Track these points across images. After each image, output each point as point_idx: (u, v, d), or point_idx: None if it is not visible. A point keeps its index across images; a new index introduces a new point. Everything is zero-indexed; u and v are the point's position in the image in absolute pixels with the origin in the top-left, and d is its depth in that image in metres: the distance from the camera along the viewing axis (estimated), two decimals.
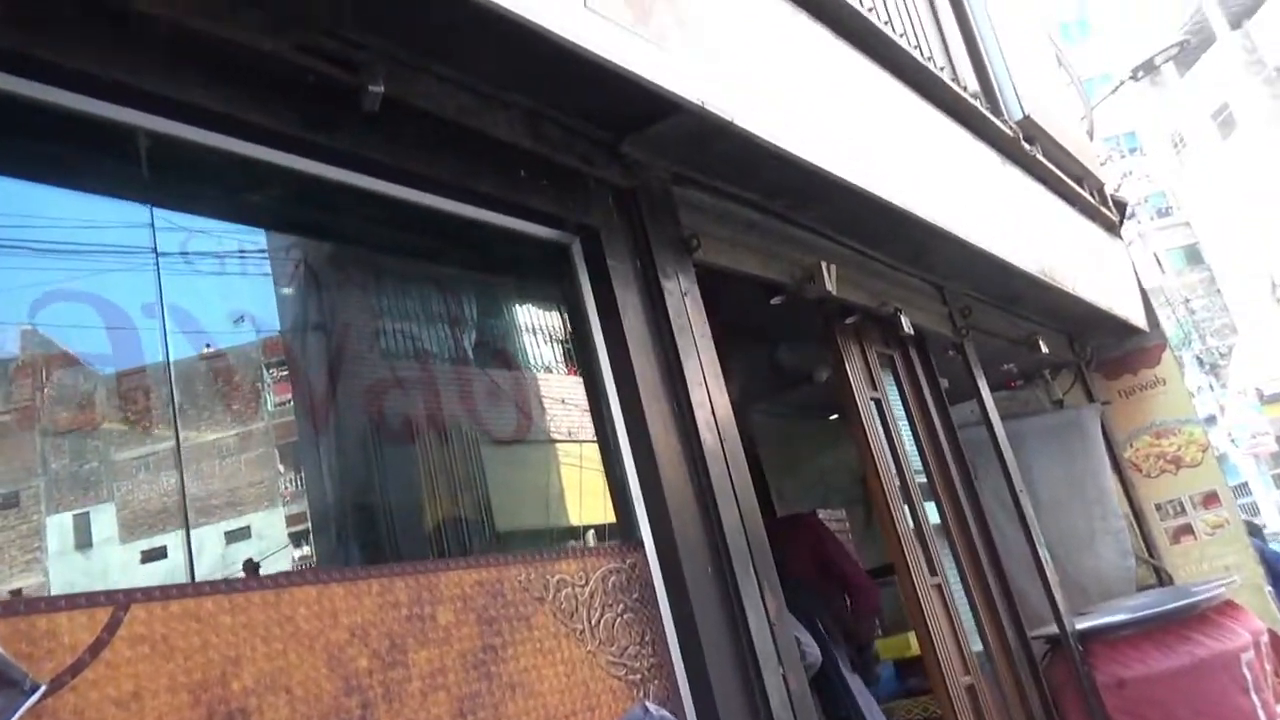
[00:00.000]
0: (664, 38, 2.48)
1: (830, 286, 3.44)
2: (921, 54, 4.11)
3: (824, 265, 3.46)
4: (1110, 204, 6.28)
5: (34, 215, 1.97)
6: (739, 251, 3.28)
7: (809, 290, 3.47)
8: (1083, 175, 5.87)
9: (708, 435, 2.66)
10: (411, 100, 2.18)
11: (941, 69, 4.29)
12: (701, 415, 2.68)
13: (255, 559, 2.59)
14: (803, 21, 3.27)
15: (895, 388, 4.29)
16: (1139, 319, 6.15)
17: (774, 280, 3.42)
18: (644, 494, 2.51)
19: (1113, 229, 6.22)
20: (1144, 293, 6.49)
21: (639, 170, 2.85)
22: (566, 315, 2.78)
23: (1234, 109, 33.65)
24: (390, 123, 2.14)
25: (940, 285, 4.64)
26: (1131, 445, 6.28)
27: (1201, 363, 29.78)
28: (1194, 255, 37.79)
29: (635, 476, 2.54)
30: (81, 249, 2.10)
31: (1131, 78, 11.49)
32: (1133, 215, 31.61)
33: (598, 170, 2.72)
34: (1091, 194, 6.06)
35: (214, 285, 2.39)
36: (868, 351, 4.08)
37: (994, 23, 5.10)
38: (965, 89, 4.44)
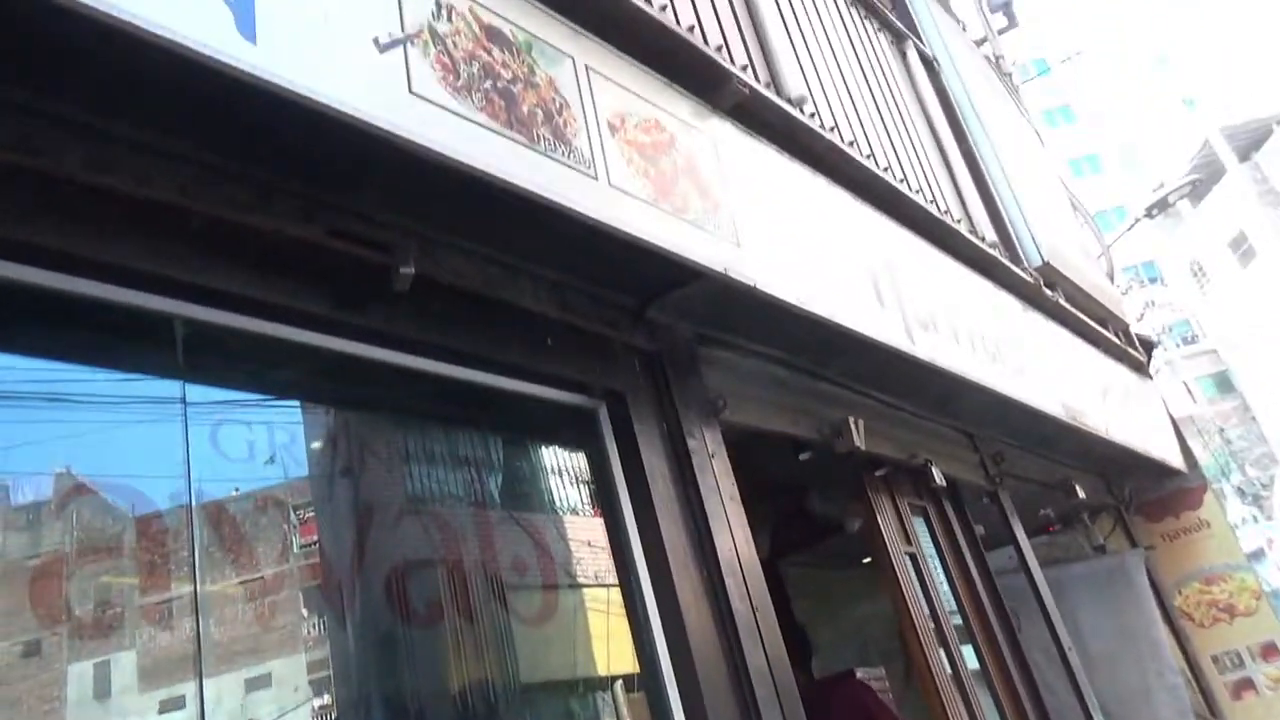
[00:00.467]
0: (685, 209, 2.54)
1: (859, 441, 3.40)
2: (938, 208, 4.20)
3: (852, 421, 3.43)
4: (1137, 344, 6.26)
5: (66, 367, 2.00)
6: (766, 409, 3.27)
7: (838, 445, 3.43)
8: (1106, 317, 5.87)
9: (739, 604, 2.58)
10: (440, 276, 2.22)
11: (959, 221, 4.37)
12: (732, 583, 2.61)
13: None
14: (821, 184, 3.35)
15: (929, 538, 4.18)
16: (1176, 460, 6.02)
17: (802, 437, 3.39)
18: (675, 670, 2.42)
19: (1141, 369, 6.18)
20: (1179, 433, 6.38)
21: (664, 333, 2.87)
22: (594, 479, 2.75)
23: (1252, 239, 33.95)
24: (419, 298, 2.18)
25: (970, 433, 4.58)
26: (1180, 593, 6.05)
27: (1243, 494, 29.03)
28: (1224, 383, 37.45)
29: (665, 650, 2.45)
30: (113, 400, 2.12)
31: (1147, 215, 11.66)
32: (1159, 344, 31.61)
33: (623, 335, 2.74)
34: (1117, 335, 6.05)
35: (245, 426, 2.41)
36: (899, 503, 4.00)
37: (1008, 173, 5.22)
38: (984, 239, 4.51)
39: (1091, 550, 6.01)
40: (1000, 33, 7.93)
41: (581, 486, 2.94)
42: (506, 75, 2.17)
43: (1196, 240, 37.20)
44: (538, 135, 2.16)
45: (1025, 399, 4.22)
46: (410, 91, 1.89)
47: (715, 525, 2.68)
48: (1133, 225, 11.95)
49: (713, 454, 2.84)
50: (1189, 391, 37.11)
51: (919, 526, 4.13)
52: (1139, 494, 6.26)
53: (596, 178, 2.28)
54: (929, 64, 5.28)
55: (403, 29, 1.95)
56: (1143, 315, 31.30)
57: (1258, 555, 23.59)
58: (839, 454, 3.53)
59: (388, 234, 2.08)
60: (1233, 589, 5.90)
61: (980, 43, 7.64)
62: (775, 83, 3.31)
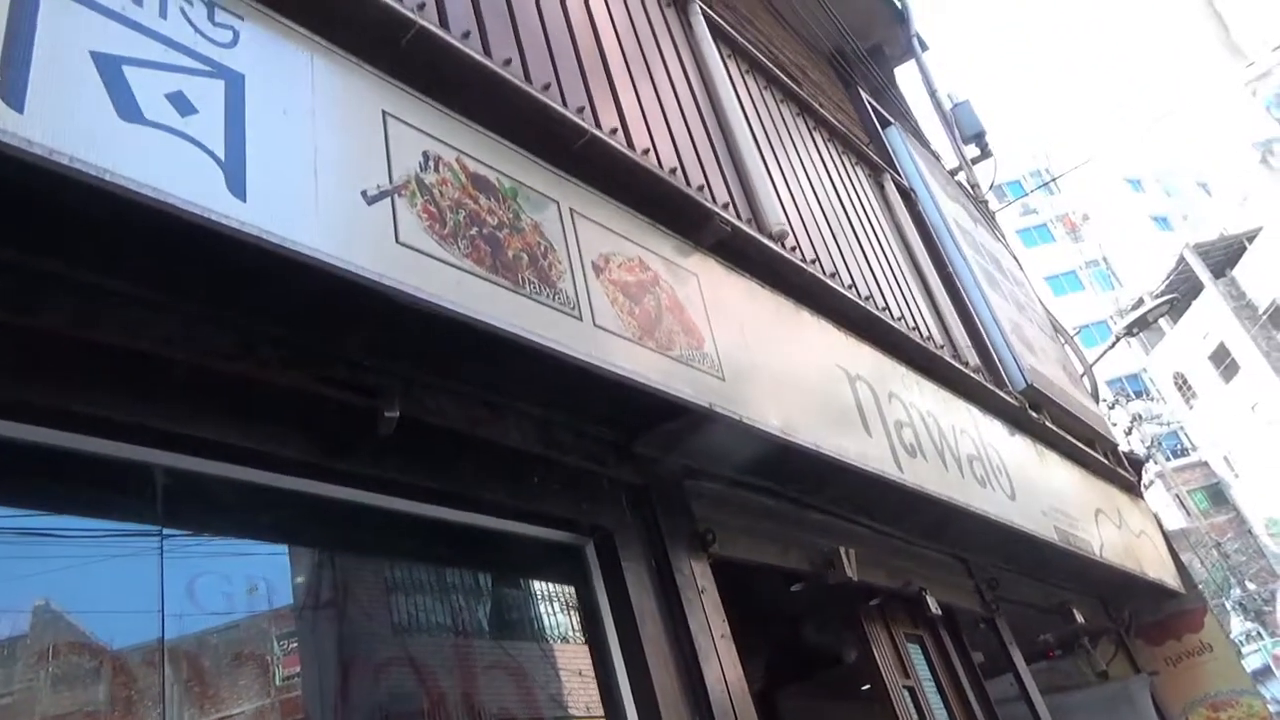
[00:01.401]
0: (670, 345, 2.57)
1: (851, 572, 3.36)
2: (921, 335, 4.26)
3: (843, 551, 3.39)
4: (1125, 464, 6.26)
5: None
6: (756, 541, 3.23)
7: (830, 577, 3.38)
8: (1093, 438, 5.89)
9: None
10: (426, 418, 2.23)
11: (941, 347, 4.43)
12: None
13: None
14: (804, 316, 3.41)
15: (927, 667, 4.08)
16: (1173, 580, 5.95)
17: (793, 569, 3.34)
18: None
19: (1131, 489, 6.16)
20: (1174, 552, 6.32)
21: (650, 467, 2.86)
22: (582, 617, 2.69)
23: (1233, 352, 34.42)
24: (404, 439, 2.18)
25: (964, 558, 4.53)
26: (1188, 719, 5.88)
27: (1245, 609, 28.54)
28: (1218, 495, 37.33)
29: None
30: (91, 534, 2.08)
31: (1128, 334, 11.85)
32: (1149, 459, 31.58)
33: (609, 470, 2.73)
34: (1105, 456, 6.05)
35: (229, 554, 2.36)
36: (895, 633, 3.92)
37: (988, 298, 5.32)
38: (967, 365, 4.56)
39: (1094, 676, 5.86)
40: (974, 162, 8.22)
41: (571, 613, 2.87)
42: (492, 222, 2.23)
43: (1179, 355, 37.70)
44: (523, 279, 2.20)
45: (1017, 523, 4.19)
46: (397, 242, 1.94)
47: (706, 664, 2.62)
48: (1114, 344, 12.13)
49: (702, 589, 2.79)
50: (1182, 505, 36.95)
51: (916, 656, 4.03)
52: (1138, 617, 6.15)
53: (581, 318, 2.31)
54: (906, 194, 5.44)
55: (390, 181, 2.01)
56: (1131, 429, 31.43)
57: (1264, 674, 23.02)
58: (833, 586, 3.48)
59: (374, 378, 2.09)
60: (1240, 715, 5.74)
61: (955, 172, 7.91)
62: (756, 219, 3.40)
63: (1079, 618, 5.20)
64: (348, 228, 1.85)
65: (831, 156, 4.65)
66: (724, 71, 3.81)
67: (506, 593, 2.74)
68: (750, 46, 4.21)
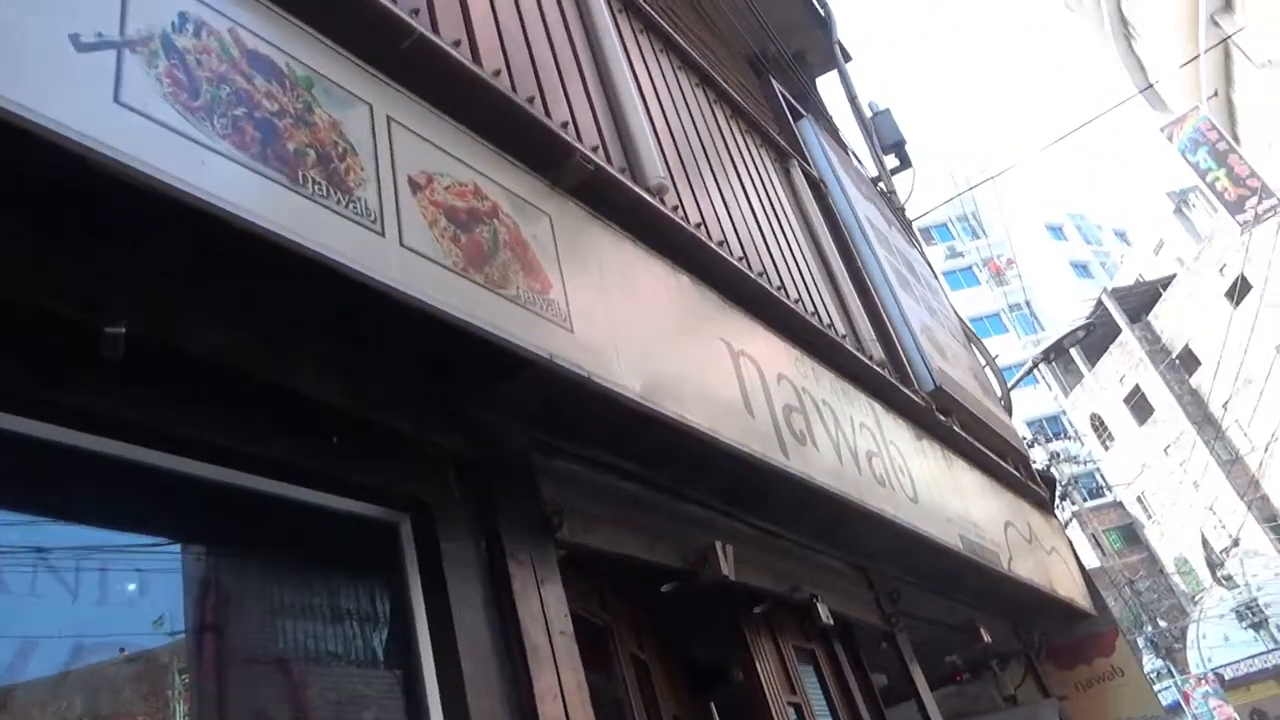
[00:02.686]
0: (504, 284, 2.18)
1: (727, 570, 2.97)
2: (820, 320, 3.93)
3: (719, 546, 3.01)
4: (1038, 480, 6.02)
5: None
6: (618, 530, 2.83)
7: (703, 575, 2.99)
8: (1005, 450, 5.64)
9: None
10: (178, 345, 1.79)
11: (844, 337, 4.11)
12: None
13: None
14: (684, 281, 3.05)
15: (817, 683, 3.71)
16: (1083, 601, 5.70)
17: (661, 564, 2.95)
18: None
19: (1044, 506, 5.92)
20: (1085, 573, 6.09)
21: (488, 434, 2.45)
22: (390, 612, 2.25)
23: (1148, 395, 35.23)
24: (147, 370, 1.74)
25: (863, 566, 4.19)
26: None
27: (1156, 647, 28.94)
28: (1131, 535, 38.07)
29: None
30: None
31: (1045, 360, 11.83)
32: (1065, 496, 32.05)
33: (433, 434, 2.31)
34: (1017, 469, 5.81)
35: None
36: (783, 646, 3.54)
37: (899, 298, 5.05)
38: (871, 358, 4.25)
39: (1002, 701, 5.56)
40: (894, 172, 8.04)
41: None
42: (270, 106, 1.81)
43: (1096, 397, 38.50)
44: (304, 176, 1.79)
45: (918, 527, 3.86)
46: (116, 100, 1.52)
47: (538, 667, 2.20)
48: (1031, 368, 12.13)
49: (542, 579, 2.38)
50: (1099, 544, 37.58)
51: (807, 675, 3.66)
52: (1048, 639, 5.89)
53: (383, 234, 1.91)
54: (816, 185, 5.16)
55: (121, 34, 1.59)
56: (1049, 467, 31.90)
57: (1175, 711, 23.28)
58: (708, 586, 3.09)
59: (91, 283, 1.65)
60: None
61: (876, 180, 7.71)
62: (632, 170, 3.04)
63: (986, 637, 4.90)
64: (38, 70, 1.42)
65: (733, 133, 4.34)
66: (609, 20, 3.46)
67: (290, 576, 2.28)
68: (646, 5, 3.88)
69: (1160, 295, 34.64)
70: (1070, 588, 5.57)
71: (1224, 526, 27.30)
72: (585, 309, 2.44)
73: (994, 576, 4.57)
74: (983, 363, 6.41)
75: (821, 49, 8.40)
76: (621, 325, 2.58)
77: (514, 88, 2.63)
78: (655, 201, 2.97)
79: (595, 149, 2.86)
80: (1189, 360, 33.44)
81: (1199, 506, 31.22)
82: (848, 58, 8.68)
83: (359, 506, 2.19)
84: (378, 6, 2.20)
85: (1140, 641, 28.39)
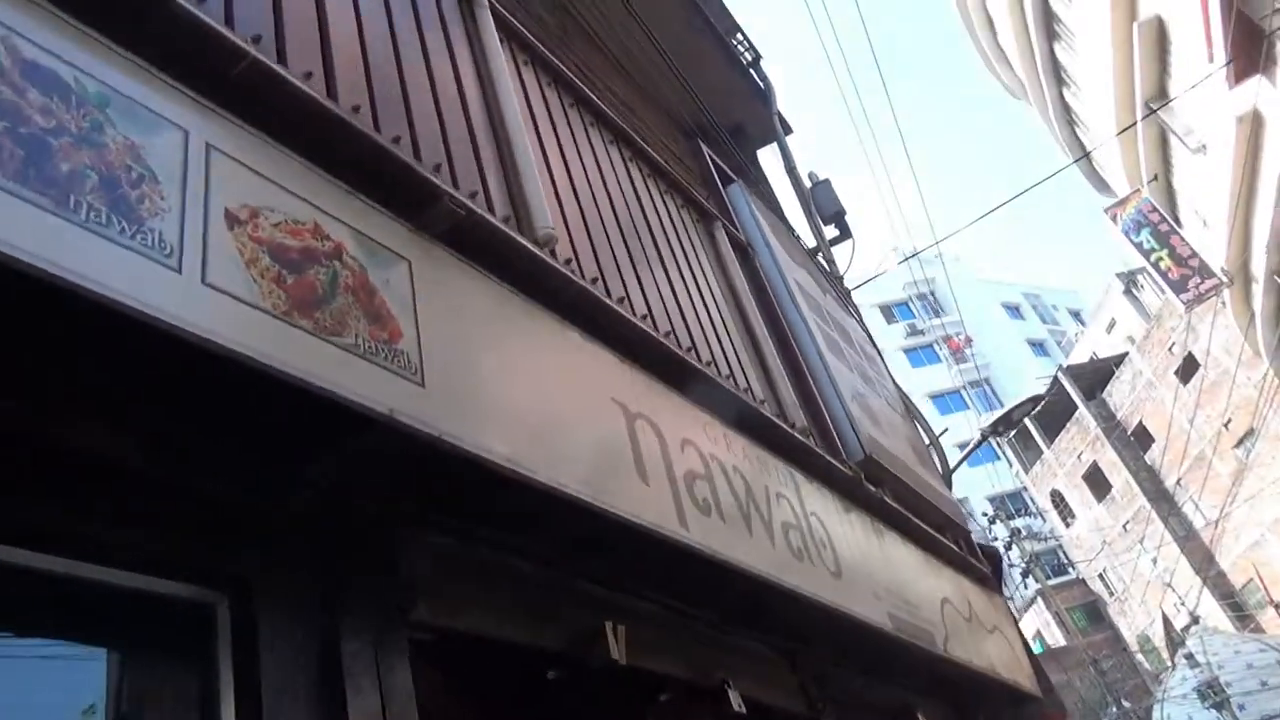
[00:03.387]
0: (339, 331, 1.95)
1: (618, 654, 2.69)
2: (736, 385, 3.73)
3: (610, 627, 2.73)
4: (980, 555, 5.79)
5: None
6: (496, 611, 2.55)
7: (592, 660, 2.71)
8: (944, 523, 5.42)
9: None
10: None
11: (762, 402, 3.91)
12: None
13: None
14: (574, 338, 2.83)
15: None
16: (1029, 683, 5.43)
17: (545, 648, 2.66)
18: None
19: (985, 582, 5.68)
20: (1031, 654, 5.83)
21: (332, 502, 2.18)
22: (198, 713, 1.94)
23: (1105, 473, 35.40)
24: None
25: (786, 649, 3.90)
26: None
27: None
28: (1094, 613, 37.81)
29: None
30: None
31: (994, 433, 11.75)
32: (1028, 574, 31.82)
33: (261, 501, 2.04)
34: (958, 544, 5.58)
35: None
36: None
37: (829, 365, 4.87)
38: (794, 425, 4.04)
39: None
40: (834, 242, 7.97)
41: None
42: (44, 123, 1.59)
43: (1055, 474, 38.62)
44: (77, 202, 1.56)
45: (840, 604, 3.60)
46: None
47: None
48: (981, 440, 12.02)
49: (386, 669, 2.09)
50: (1062, 622, 37.28)
51: None
52: None
53: (179, 270, 1.67)
54: (743, 250, 5.02)
55: None
56: (1010, 544, 31.74)
57: None
58: (600, 672, 2.80)
59: None
60: None
61: (814, 252, 7.63)
62: (519, 219, 2.84)
63: None
64: None
65: (649, 192, 4.19)
66: (507, 68, 3.31)
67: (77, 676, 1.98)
68: (540, 46, 3.74)
69: (1113, 373, 35.08)
70: (1014, 669, 5.31)
71: (1183, 604, 27.15)
72: (445, 363, 2.21)
73: (928, 658, 4.30)
74: (922, 434, 6.23)
75: (762, 121, 8.40)
76: (491, 382, 2.36)
77: (377, 126, 2.43)
78: (542, 253, 2.77)
79: (474, 195, 2.66)
80: (1143, 437, 33.74)
81: (1157, 583, 31.15)
82: (788, 130, 8.69)
83: (164, 585, 1.91)
84: (204, 28, 2.00)
85: None
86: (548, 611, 2.72)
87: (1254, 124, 14.97)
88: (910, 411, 6.26)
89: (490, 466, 2.18)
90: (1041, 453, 39.46)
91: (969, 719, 5.42)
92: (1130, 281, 40.86)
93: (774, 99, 8.26)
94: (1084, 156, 20.93)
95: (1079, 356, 42.38)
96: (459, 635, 2.42)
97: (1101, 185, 27.22)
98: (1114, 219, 21.81)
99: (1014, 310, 66.44)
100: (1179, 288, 20.46)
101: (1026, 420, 40.24)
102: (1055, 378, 38.12)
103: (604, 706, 3.03)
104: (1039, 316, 68.46)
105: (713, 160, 5.55)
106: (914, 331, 59.70)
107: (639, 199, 4.03)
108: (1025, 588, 34.50)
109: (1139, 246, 21.16)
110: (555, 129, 3.60)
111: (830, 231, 8.07)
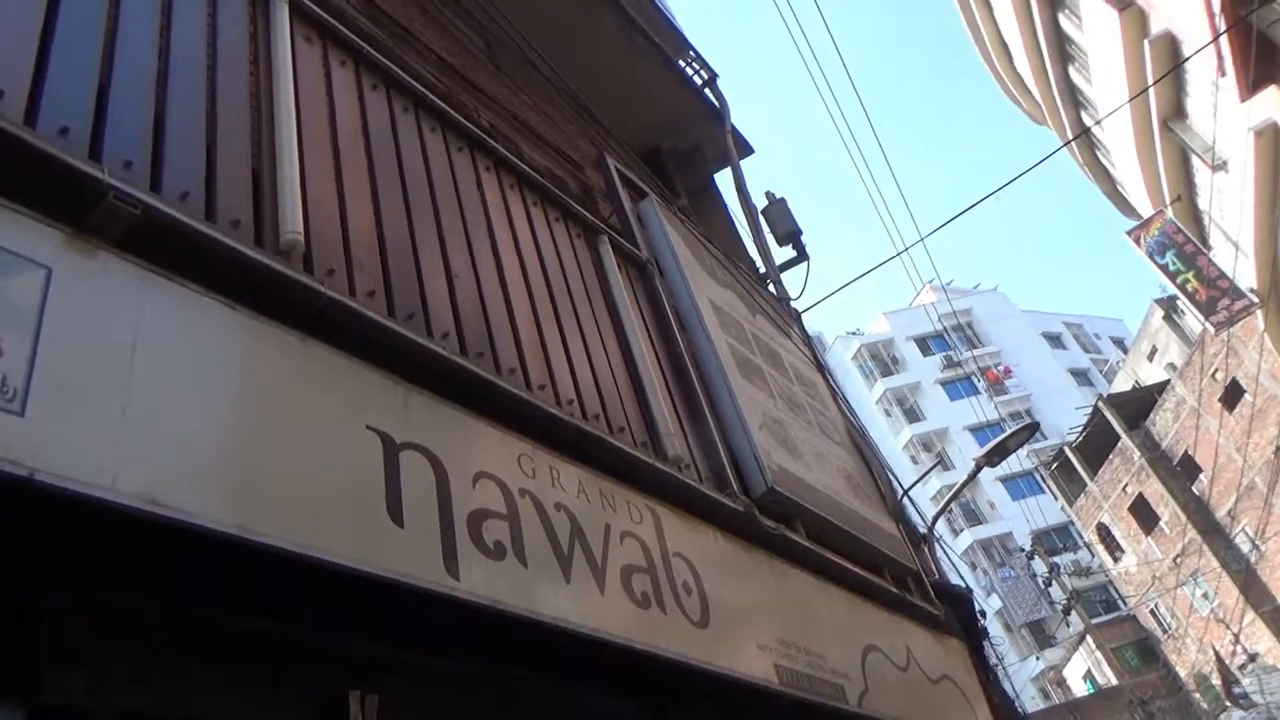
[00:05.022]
0: None
1: None
2: (579, 411, 3.32)
3: (356, 700, 2.31)
4: (931, 595, 5.26)
5: None
6: (191, 682, 2.15)
7: None
8: (882, 563, 4.92)
9: None
10: None
11: (620, 429, 3.49)
12: None
13: None
14: (325, 356, 2.45)
15: None
16: None
17: None
18: None
19: (937, 626, 5.14)
20: (995, 708, 5.25)
21: None
22: None
23: (1151, 504, 34.08)
24: None
25: (655, 707, 3.43)
26: None
27: None
28: (1147, 651, 36.22)
29: None
30: None
31: (988, 463, 11.15)
32: (1069, 609, 30.55)
33: None
34: (904, 585, 5.07)
35: None
36: None
37: (734, 391, 4.43)
38: (666, 455, 3.61)
39: None
40: (786, 266, 7.53)
41: None
42: None
43: (1101, 507, 37.27)
44: None
45: (704, 662, 3.14)
46: None
47: None
48: (975, 472, 11.42)
49: None
50: (1113, 661, 35.76)
51: None
52: None
53: None
54: (640, 265, 4.63)
55: None
56: (1050, 580, 30.55)
57: None
58: None
59: None
60: None
61: (765, 278, 7.22)
62: (259, 222, 2.49)
63: None
64: None
65: (504, 200, 3.82)
66: (288, 46, 2.98)
67: None
68: (346, 30, 3.40)
69: (1156, 401, 33.86)
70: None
71: (1239, 641, 25.80)
72: (71, 385, 1.84)
73: (837, 714, 3.80)
74: (870, 467, 5.73)
75: (717, 142, 8.06)
76: (156, 411, 1.97)
77: (36, 118, 2.09)
78: (273, 261, 2.40)
79: (184, 195, 2.31)
80: (1190, 466, 32.41)
81: (1213, 619, 29.73)
82: (749, 150, 8.33)
83: None
84: None
85: None
86: (281, 680, 2.31)
87: (1273, 136, 14.32)
88: (857, 442, 5.78)
89: (117, 508, 1.80)
90: (1085, 485, 38.12)
91: None
92: (1170, 307, 39.67)
93: (728, 118, 7.90)
94: (1080, 134, 20.20)
95: (1120, 385, 41.07)
96: (136, 714, 2.03)
97: (1127, 208, 26.48)
98: (1137, 241, 21.09)
99: (1055, 340, 65.08)
100: (1208, 310, 19.66)
101: (1068, 451, 39.00)
102: (1095, 408, 36.93)
103: None
104: (1081, 346, 66.96)
105: (620, 174, 5.18)
106: (950, 364, 58.61)
107: (489, 209, 3.66)
108: (1067, 625, 33.14)
109: (1164, 269, 20.42)
110: (369, 128, 3.25)
111: (788, 253, 7.65)
